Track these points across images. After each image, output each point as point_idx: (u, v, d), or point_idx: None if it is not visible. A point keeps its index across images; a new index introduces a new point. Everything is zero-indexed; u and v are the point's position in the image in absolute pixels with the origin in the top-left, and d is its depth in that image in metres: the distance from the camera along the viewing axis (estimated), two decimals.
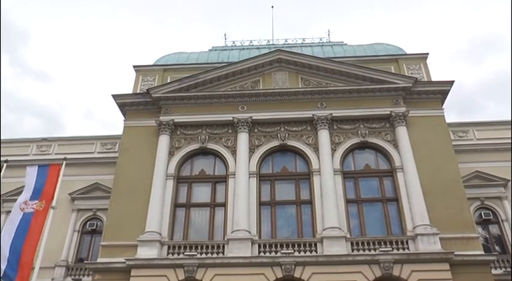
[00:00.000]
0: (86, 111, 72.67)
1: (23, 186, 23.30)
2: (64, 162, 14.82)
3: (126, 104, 23.41)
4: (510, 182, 23.42)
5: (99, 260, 19.46)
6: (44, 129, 63.83)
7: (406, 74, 23.33)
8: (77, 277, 22.55)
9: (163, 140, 22.13)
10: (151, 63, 26.34)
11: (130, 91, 24.13)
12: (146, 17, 74.83)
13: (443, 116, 22.24)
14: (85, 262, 22.01)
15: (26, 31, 69.45)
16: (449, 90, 22.47)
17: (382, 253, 18.31)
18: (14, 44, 64.42)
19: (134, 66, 25.31)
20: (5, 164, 15.20)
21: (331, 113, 22.09)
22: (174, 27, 74.52)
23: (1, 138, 24.87)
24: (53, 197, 13.46)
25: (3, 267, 11.87)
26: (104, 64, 74.97)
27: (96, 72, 74.28)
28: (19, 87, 66.32)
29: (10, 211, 23.96)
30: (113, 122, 71.09)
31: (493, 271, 18.99)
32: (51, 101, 71.58)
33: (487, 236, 22.85)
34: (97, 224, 24.04)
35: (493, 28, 69.88)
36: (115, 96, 23.38)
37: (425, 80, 23.32)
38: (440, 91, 22.57)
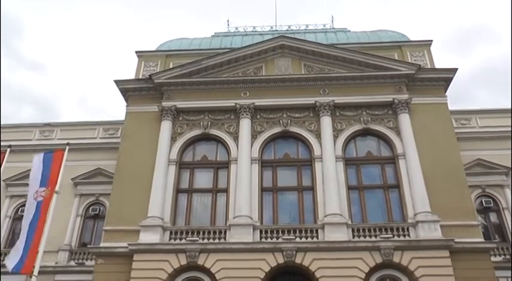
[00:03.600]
0: (80, 100, 72.48)
1: (27, 170, 23.70)
2: (67, 147, 14.88)
3: (128, 89, 23.38)
4: (511, 170, 23.44)
5: (102, 244, 19.64)
6: (40, 119, 63.79)
7: (410, 61, 23.21)
8: (80, 261, 22.82)
9: (166, 126, 22.15)
10: (153, 49, 26.23)
11: (128, 78, 23.98)
12: (147, 3, 74.18)
13: (446, 103, 22.16)
14: (88, 246, 22.21)
15: (19, 20, 68.79)
16: (452, 77, 22.37)
17: (382, 239, 18.42)
18: (7, 34, 63.86)
19: (136, 52, 25.20)
20: (8, 149, 15.24)
21: (334, 100, 22.05)
22: (175, 13, 74.04)
23: (3, 124, 24.88)
24: (56, 183, 13.54)
25: (15, 260, 12.06)
26: (100, 52, 74.57)
27: (91, 60, 73.98)
28: (14, 77, 66.09)
29: (14, 196, 24.64)
30: (108, 111, 70.94)
31: (493, 259, 19.08)
32: (46, 91, 71.40)
33: (487, 223, 22.95)
34: (100, 209, 24.23)
35: (480, 18, 69.61)
36: (117, 82, 23.33)
37: (429, 67, 23.20)
38: (444, 78, 22.46)
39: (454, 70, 22.36)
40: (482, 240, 18.78)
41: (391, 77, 22.39)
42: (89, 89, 73.71)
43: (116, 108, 74.20)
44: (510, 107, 25.48)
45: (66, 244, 23.21)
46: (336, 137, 21.49)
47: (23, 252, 12.22)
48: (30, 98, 68.54)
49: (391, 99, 21.91)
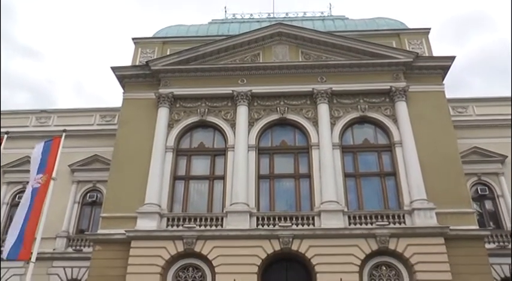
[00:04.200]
0: (76, 86, 72.07)
1: (24, 157, 23.74)
2: (64, 134, 14.85)
3: (125, 76, 23.28)
4: (508, 158, 23.53)
5: (99, 231, 19.71)
6: (35, 105, 63.28)
7: (408, 49, 23.15)
8: (77, 247, 22.95)
9: (163, 113, 22.11)
10: (150, 35, 26.07)
11: (125, 65, 23.85)
12: None
13: (444, 91, 22.15)
14: (86, 233, 22.35)
15: (11, 4, 67.91)
16: (450, 65, 22.34)
17: (378, 226, 18.55)
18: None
19: (133, 39, 25.04)
20: (5, 136, 15.21)
21: (331, 87, 22.02)
22: (173, 0, 73.33)
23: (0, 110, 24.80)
24: (53, 169, 13.55)
25: (8, 246, 12.08)
26: (95, 39, 73.95)
27: (87, 47, 73.24)
28: (8, 63, 65.51)
29: (11, 182, 24.65)
30: (104, 98, 70.64)
31: (487, 246, 19.30)
32: (41, 77, 70.92)
33: (483, 211, 23.14)
34: (97, 196, 24.28)
35: (475, 6, 69.27)
36: (114, 69, 23.22)
37: (427, 55, 23.15)
38: (441, 66, 22.43)
39: (452, 58, 22.33)
40: (477, 227, 18.93)
41: (388, 65, 22.35)
42: (85, 75, 73.37)
43: (112, 95, 73.84)
44: (507, 95, 25.56)
45: (63, 231, 23.31)
46: (333, 124, 21.51)
47: (18, 238, 12.22)
48: (24, 85, 68.15)
49: (388, 87, 21.89)
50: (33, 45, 71.88)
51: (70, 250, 22.98)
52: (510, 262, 20.83)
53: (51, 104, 63.71)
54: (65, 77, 72.52)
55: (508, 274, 20.88)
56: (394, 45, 23.36)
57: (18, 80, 66.91)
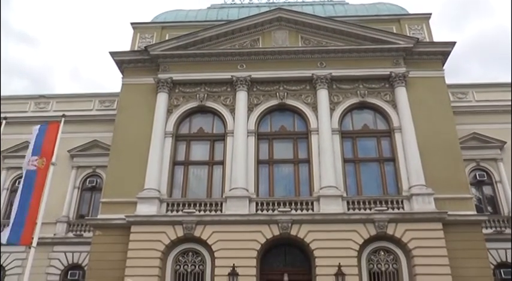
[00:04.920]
0: (73, 72, 71.61)
1: (23, 142, 23.77)
2: (63, 119, 14.83)
3: (123, 61, 23.17)
4: (507, 144, 23.55)
5: (99, 216, 19.82)
6: (32, 91, 62.88)
7: (408, 34, 23.03)
8: (78, 232, 23.05)
9: (162, 98, 22.07)
10: (149, 20, 25.90)
11: (123, 50, 23.73)
12: None
13: (443, 77, 22.08)
14: (86, 218, 22.41)
15: None
16: (450, 51, 22.24)
17: (377, 212, 18.66)
18: None
19: (132, 24, 24.87)
20: (4, 121, 15.19)
21: (331, 73, 21.96)
22: None
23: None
24: (52, 154, 13.54)
25: (8, 231, 12.11)
26: (92, 24, 73.35)
27: (83, 32, 72.69)
28: (3, 48, 64.94)
29: (11, 167, 24.68)
30: (101, 83, 70.25)
31: (484, 231, 19.39)
32: (38, 63, 70.41)
33: (481, 196, 23.27)
34: (97, 181, 24.32)
35: None
36: (113, 54, 23.10)
37: (427, 40, 23.03)
38: (442, 52, 22.33)
39: (452, 44, 22.23)
40: (475, 213, 19.05)
41: (388, 51, 22.25)
42: (82, 61, 72.83)
43: (109, 81, 73.39)
44: (507, 81, 25.49)
45: (64, 216, 23.40)
46: (332, 110, 21.48)
47: (18, 223, 12.25)
48: (21, 71, 67.74)
49: (388, 73, 21.83)
50: (28, 31, 71.40)
51: (70, 235, 23.10)
52: (507, 246, 21.01)
53: (49, 91, 63.43)
54: (62, 63, 72.14)
55: (504, 259, 21.07)
56: (395, 31, 23.23)
57: (14, 67, 66.56)
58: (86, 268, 20.16)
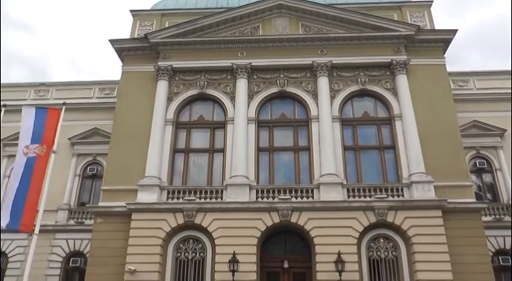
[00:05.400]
0: (71, 61, 71.19)
1: None
2: (63, 107, 14.78)
3: (123, 49, 23.06)
4: (507, 132, 23.56)
5: (100, 204, 19.89)
6: (31, 80, 62.52)
7: (409, 22, 22.87)
8: (79, 220, 23.19)
9: (162, 86, 22.01)
10: (149, 8, 25.75)
11: (124, 38, 23.60)
12: None
13: (444, 65, 21.99)
14: (87, 206, 22.50)
15: None
16: (452, 39, 22.12)
17: (377, 199, 18.73)
18: None
19: (131, 11, 24.69)
20: (3, 109, 15.13)
21: (331, 60, 21.87)
22: None
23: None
24: (53, 142, 13.49)
25: (6, 217, 12.07)
26: (90, 12, 72.79)
27: (81, 20, 72.12)
28: (2, 37, 64.51)
29: (11, 155, 24.68)
30: (99, 72, 69.88)
31: (483, 218, 19.48)
32: (36, 51, 69.95)
33: (480, 184, 23.34)
34: (97, 169, 24.40)
35: None
36: (112, 41, 22.99)
37: (428, 28, 22.89)
38: (443, 40, 22.20)
39: (454, 31, 22.10)
40: (474, 200, 19.12)
41: (390, 38, 22.14)
42: (80, 49, 72.40)
43: (107, 69, 72.98)
44: (508, 68, 25.38)
45: (65, 204, 23.51)
46: (332, 97, 21.44)
47: (17, 209, 12.18)
48: (18, 60, 67.35)
49: (389, 60, 21.75)
50: (26, 19, 70.89)
51: (72, 222, 23.24)
52: (505, 234, 21.14)
53: (47, 79, 63.12)
54: (60, 52, 71.77)
55: (503, 246, 21.21)
56: (396, 18, 23.07)
57: (13, 55, 66.21)
58: (87, 255, 20.29)
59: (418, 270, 17.43)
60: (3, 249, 22.55)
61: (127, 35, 23.97)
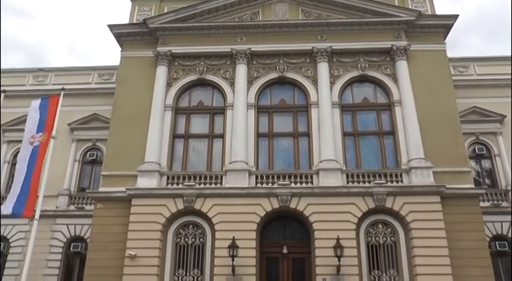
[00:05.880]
0: (69, 47, 70.67)
1: (22, 116, 23.78)
2: (62, 92, 14.78)
3: (122, 34, 22.91)
4: (507, 118, 23.55)
5: (100, 189, 19.96)
6: (29, 65, 62.16)
7: (410, 7, 22.69)
8: (79, 205, 23.28)
9: (161, 71, 21.93)
10: None
11: (122, 23, 23.44)
12: None
13: (445, 50, 21.84)
14: (87, 191, 22.58)
15: None
16: (452, 24, 21.96)
17: (376, 185, 18.79)
18: None
19: None
20: (2, 94, 15.14)
21: (331, 46, 21.76)
22: None
23: None
24: (53, 127, 13.55)
25: (11, 203, 12.17)
26: None
27: (78, 5, 71.43)
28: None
29: (11, 141, 24.73)
30: (97, 57, 69.51)
31: (481, 204, 19.58)
32: (33, 37, 69.43)
33: (479, 170, 23.41)
34: (97, 155, 24.40)
35: None
36: (111, 26, 22.83)
37: (429, 13, 22.72)
38: (444, 25, 22.05)
39: (455, 17, 21.92)
40: (473, 186, 19.20)
41: (390, 24, 22.00)
42: (78, 35, 71.83)
43: (105, 55, 72.56)
44: (508, 54, 25.27)
45: (65, 189, 23.56)
46: (332, 83, 21.37)
47: (21, 196, 12.33)
48: (16, 46, 66.95)
49: (389, 46, 21.64)
50: (23, 4, 70.19)
51: (72, 207, 23.32)
52: (503, 219, 21.29)
53: (45, 65, 62.74)
54: (58, 37, 71.23)
55: (500, 232, 21.36)
56: (396, 3, 22.88)
57: (9, 41, 65.73)
58: (88, 241, 20.43)
59: (416, 255, 17.57)
60: (5, 234, 22.69)
61: (126, 20, 23.80)
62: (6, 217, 13.90)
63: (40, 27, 70.37)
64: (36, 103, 14.17)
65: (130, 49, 22.80)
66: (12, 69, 27.41)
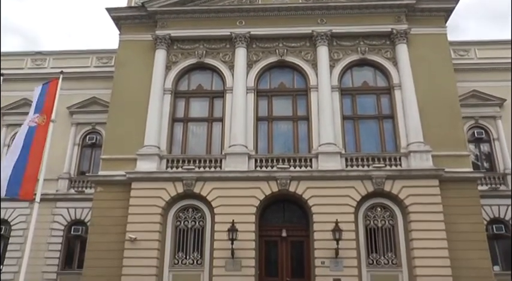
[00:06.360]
0: (66, 30, 70.21)
1: (21, 99, 23.76)
2: (61, 76, 14.70)
3: (120, 17, 22.72)
4: (506, 101, 23.52)
5: (100, 173, 20.00)
6: (26, 49, 61.68)
7: None
8: (79, 189, 23.37)
9: (160, 55, 21.82)
10: None
11: (121, 6, 23.23)
12: None
13: (446, 34, 21.72)
14: (87, 174, 22.62)
15: None
16: (454, 7, 21.79)
17: (375, 168, 18.86)
18: None
19: None
20: (1, 78, 15.06)
21: (331, 29, 21.63)
22: None
23: None
24: (52, 111, 13.51)
25: (4, 184, 12.10)
26: None
27: None
28: None
29: (10, 124, 24.71)
30: (95, 41, 68.94)
31: (480, 187, 19.67)
32: (30, 20, 68.87)
33: (478, 154, 23.47)
34: (96, 138, 24.40)
35: None
36: (109, 10, 22.64)
37: None
38: (445, 9, 21.87)
39: (456, 0, 21.77)
40: (471, 170, 19.27)
41: (390, 7, 21.83)
42: (75, 18, 71.09)
43: (104, 38, 72.02)
44: (508, 38, 25.14)
45: (65, 173, 23.64)
46: (332, 67, 21.30)
47: (16, 177, 12.24)
48: (12, 28, 66.40)
49: (389, 30, 21.51)
50: None
51: (72, 191, 23.42)
52: (500, 203, 21.48)
53: (42, 48, 62.28)
54: (55, 20, 70.52)
55: (497, 215, 21.53)
56: None
57: (6, 24, 65.14)
58: (88, 224, 20.57)
59: (413, 238, 17.72)
60: (5, 217, 22.81)
61: (124, 4, 23.62)
62: (4, 199, 13.87)
63: (37, 9, 69.82)
64: (38, 89, 14.10)
65: (129, 33, 22.64)
66: (10, 52, 27.17)
